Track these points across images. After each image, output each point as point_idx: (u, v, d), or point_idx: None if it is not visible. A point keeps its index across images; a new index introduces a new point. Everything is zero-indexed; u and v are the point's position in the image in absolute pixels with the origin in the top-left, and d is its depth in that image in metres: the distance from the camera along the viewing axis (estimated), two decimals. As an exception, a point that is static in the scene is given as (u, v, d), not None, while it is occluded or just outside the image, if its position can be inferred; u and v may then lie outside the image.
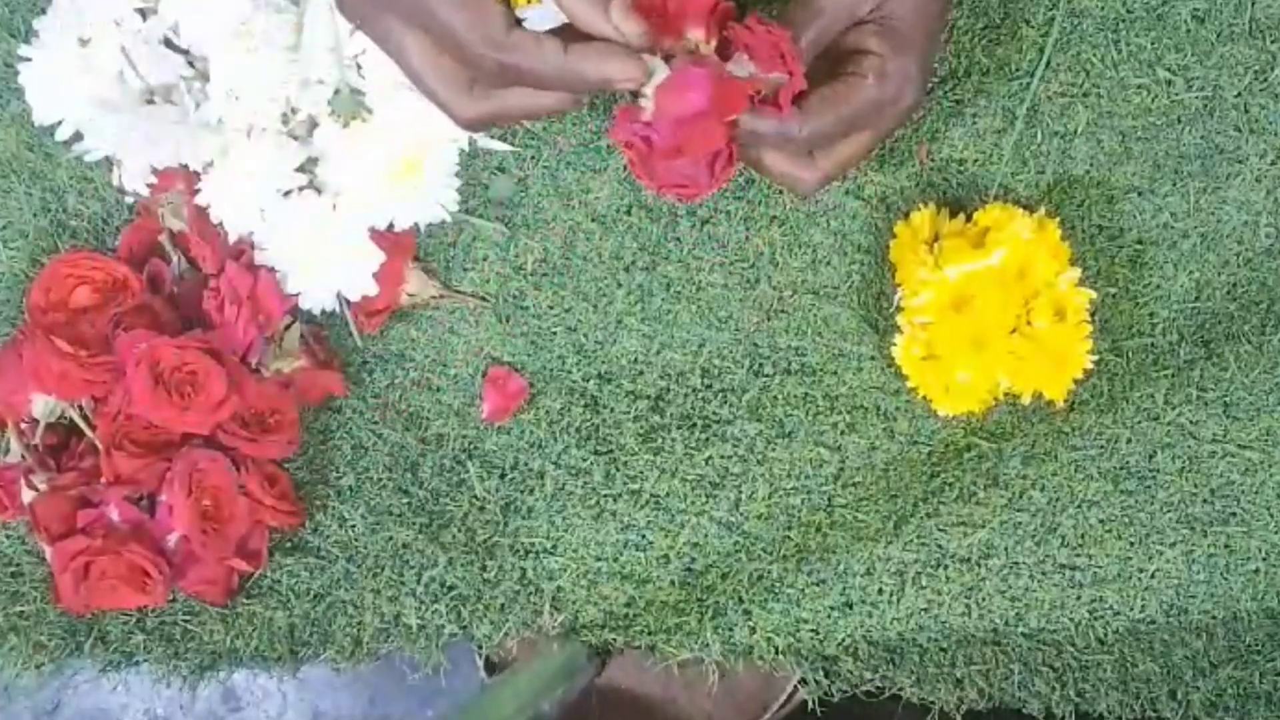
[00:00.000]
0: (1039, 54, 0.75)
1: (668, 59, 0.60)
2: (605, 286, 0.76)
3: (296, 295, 0.71)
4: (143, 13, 0.69)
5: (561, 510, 0.77)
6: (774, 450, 0.77)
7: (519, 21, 0.62)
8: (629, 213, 0.76)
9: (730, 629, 0.77)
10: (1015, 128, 0.75)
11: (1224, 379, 0.76)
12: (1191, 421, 0.77)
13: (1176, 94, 0.75)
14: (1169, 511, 0.77)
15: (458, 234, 0.76)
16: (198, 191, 0.70)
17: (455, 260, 0.76)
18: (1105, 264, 0.76)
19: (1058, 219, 0.73)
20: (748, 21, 0.61)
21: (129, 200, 0.74)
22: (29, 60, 0.69)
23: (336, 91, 0.67)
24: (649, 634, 0.77)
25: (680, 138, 0.60)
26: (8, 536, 0.76)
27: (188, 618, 0.76)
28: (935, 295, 0.71)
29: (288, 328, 0.73)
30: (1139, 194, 0.76)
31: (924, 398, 0.74)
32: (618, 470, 0.77)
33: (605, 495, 0.77)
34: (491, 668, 0.84)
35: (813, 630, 0.77)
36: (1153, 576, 0.77)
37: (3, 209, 0.76)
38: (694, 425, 0.77)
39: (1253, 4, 0.75)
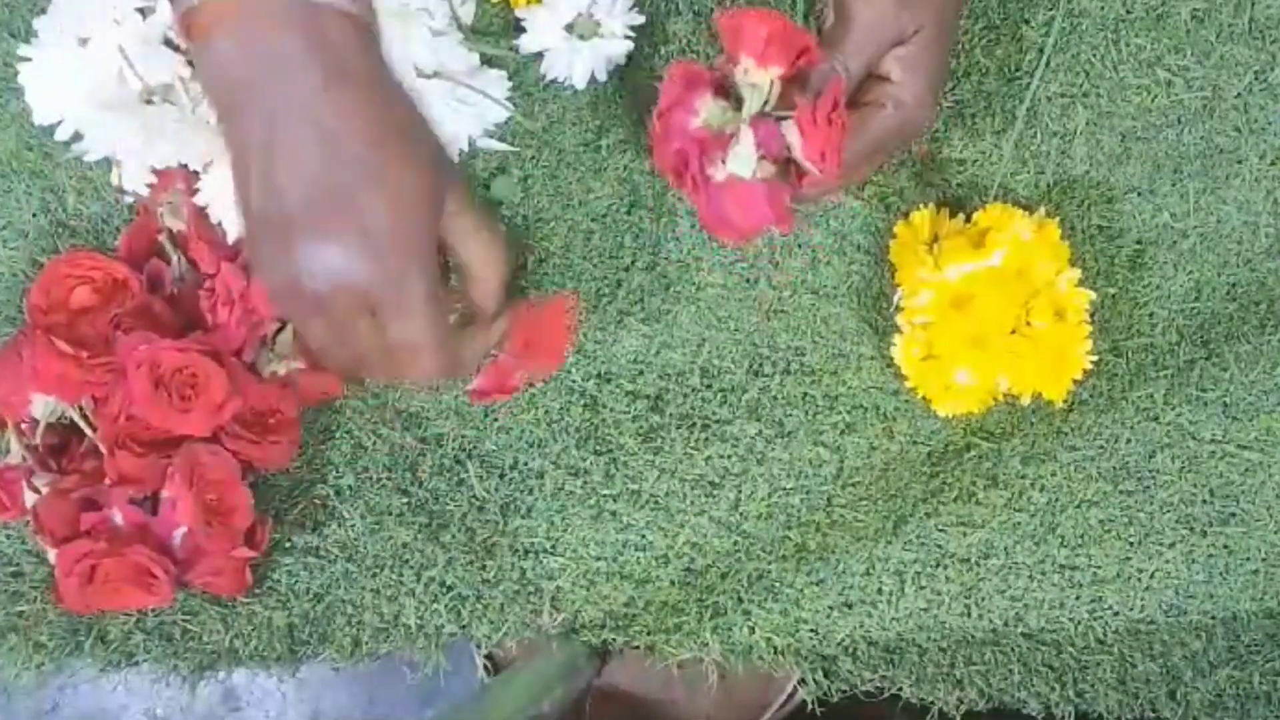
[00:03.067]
0: (1039, 54, 0.75)
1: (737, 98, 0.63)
2: (605, 286, 0.76)
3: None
4: (142, 12, 0.69)
5: (561, 510, 0.77)
6: (773, 450, 0.77)
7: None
8: (629, 213, 0.76)
9: (730, 629, 0.77)
10: (1015, 128, 0.75)
11: (1223, 379, 0.77)
12: (1191, 422, 0.77)
13: (1176, 94, 0.75)
14: (1168, 512, 0.77)
15: (457, 234, 0.76)
16: (197, 191, 0.70)
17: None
18: (1105, 264, 0.76)
19: (1057, 219, 0.73)
20: (811, 104, 0.61)
21: (129, 200, 0.74)
22: (29, 60, 0.70)
23: (336, 91, 0.66)
24: (649, 634, 0.77)
25: (729, 216, 0.65)
26: (8, 536, 0.76)
27: (188, 618, 0.76)
28: (935, 295, 0.71)
29: (280, 329, 0.73)
30: (1139, 194, 0.76)
31: (923, 398, 0.74)
32: (617, 470, 0.77)
33: (605, 495, 0.77)
34: (491, 668, 0.84)
35: (812, 630, 0.77)
36: (1152, 577, 0.77)
37: (3, 209, 0.76)
38: (693, 425, 0.77)
39: (1253, 4, 0.75)
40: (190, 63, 0.69)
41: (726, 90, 0.65)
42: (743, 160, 0.63)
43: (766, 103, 0.63)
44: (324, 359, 0.56)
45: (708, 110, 0.64)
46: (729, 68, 0.64)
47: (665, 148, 0.64)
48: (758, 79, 0.63)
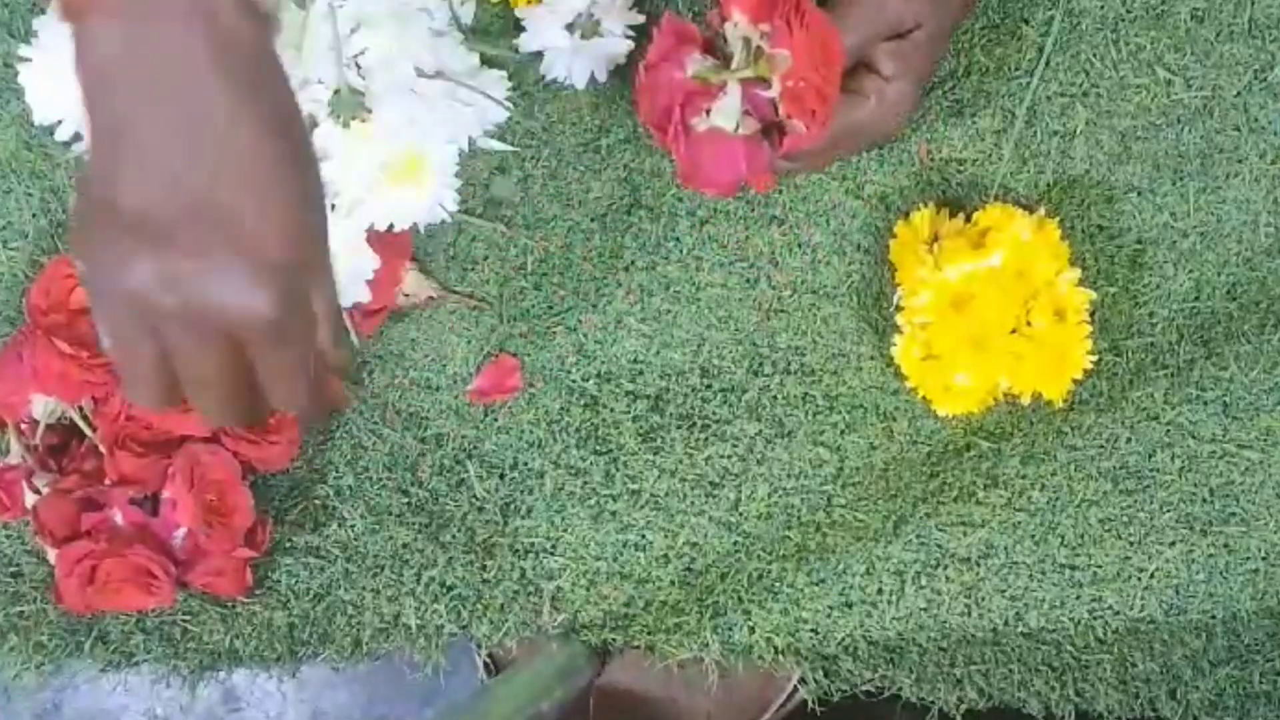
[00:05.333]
0: (1039, 54, 0.75)
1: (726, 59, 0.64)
2: (605, 286, 0.76)
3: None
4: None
5: (561, 510, 0.77)
6: (773, 450, 0.77)
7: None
8: (629, 213, 0.76)
9: (730, 629, 0.77)
10: (1015, 128, 0.75)
11: (1223, 379, 0.76)
12: (1191, 421, 0.77)
13: (1176, 94, 0.75)
14: (1168, 511, 0.77)
15: (457, 234, 0.76)
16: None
17: (455, 260, 0.76)
18: (1105, 264, 0.76)
19: (1057, 219, 0.73)
20: (801, 15, 0.62)
21: (129, 200, 0.74)
22: (29, 60, 0.69)
23: (336, 91, 0.66)
24: (649, 634, 0.77)
25: (705, 168, 0.66)
26: (8, 536, 0.76)
27: (188, 618, 0.76)
28: (935, 295, 0.71)
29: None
30: (1139, 194, 0.76)
31: (923, 398, 0.74)
32: (617, 470, 0.77)
33: (605, 495, 0.77)
34: (491, 668, 0.84)
35: (812, 630, 0.77)
36: (1152, 576, 0.77)
37: (3, 209, 0.76)
38: (694, 425, 0.77)
39: (1252, 3, 0.75)
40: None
41: (715, 51, 0.66)
42: (728, 113, 0.64)
43: (755, 57, 0.63)
44: (141, 384, 0.48)
45: (696, 65, 0.65)
46: (719, 22, 0.65)
47: (651, 100, 0.66)
48: (748, 33, 0.63)
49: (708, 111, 0.65)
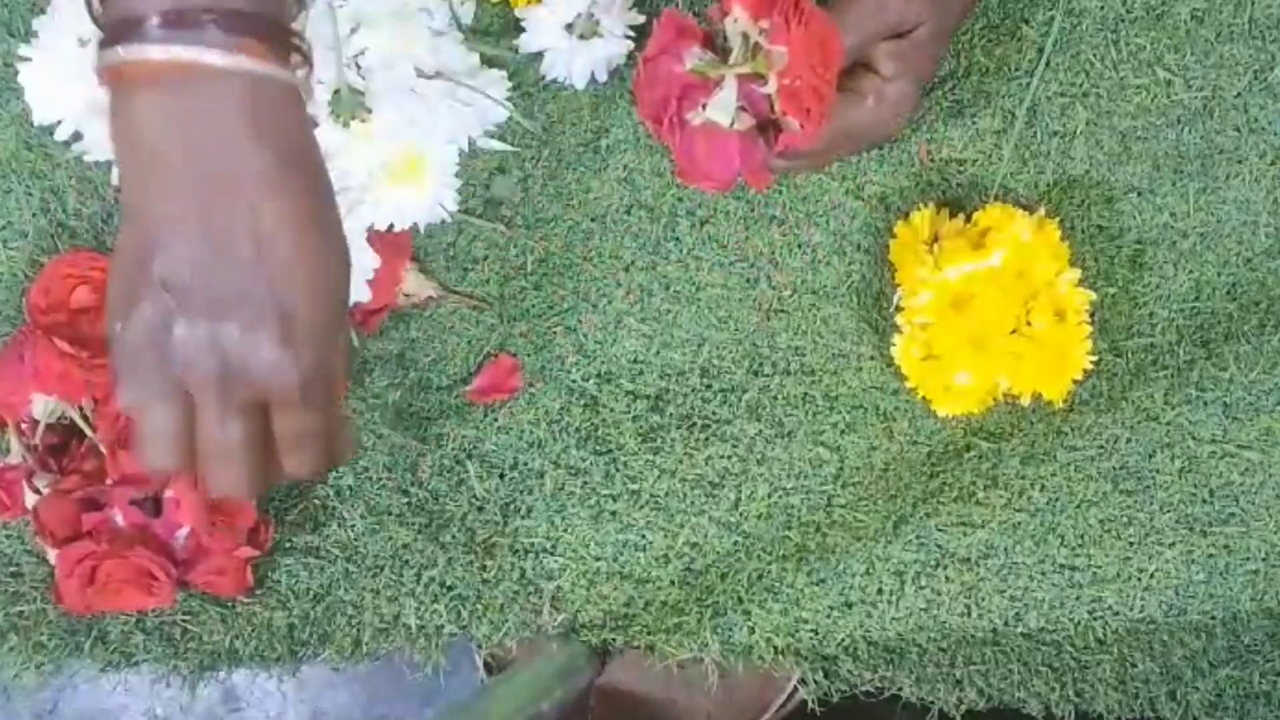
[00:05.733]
0: (1039, 54, 0.75)
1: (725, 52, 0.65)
2: (605, 286, 0.76)
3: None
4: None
5: (561, 510, 0.77)
6: (773, 450, 0.77)
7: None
8: (629, 213, 0.76)
9: (730, 629, 0.77)
10: (1015, 128, 0.75)
11: (1223, 379, 0.76)
12: (1190, 422, 0.77)
13: (1176, 94, 0.75)
14: (1168, 512, 0.77)
15: (457, 234, 0.76)
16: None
17: (455, 260, 0.76)
18: (1105, 264, 0.76)
19: (1057, 219, 0.73)
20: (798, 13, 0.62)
21: (129, 200, 0.74)
22: (29, 60, 0.69)
23: (336, 91, 0.67)
24: (649, 634, 0.77)
25: (700, 162, 0.67)
26: (7, 536, 0.76)
27: (188, 618, 0.76)
28: (935, 295, 0.71)
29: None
30: (1139, 194, 0.76)
31: (923, 398, 0.74)
32: (617, 470, 0.77)
33: (605, 495, 0.77)
34: (491, 668, 0.84)
35: (812, 630, 0.77)
36: (1152, 576, 0.77)
37: (3, 209, 0.76)
38: (693, 425, 0.77)
39: (1252, 4, 0.75)
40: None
41: (715, 46, 0.66)
42: (724, 107, 0.64)
43: (752, 53, 0.64)
44: (159, 446, 0.48)
45: (695, 59, 0.65)
46: (719, 17, 0.65)
47: (649, 93, 0.66)
48: (748, 28, 0.63)
49: (704, 106, 0.65)
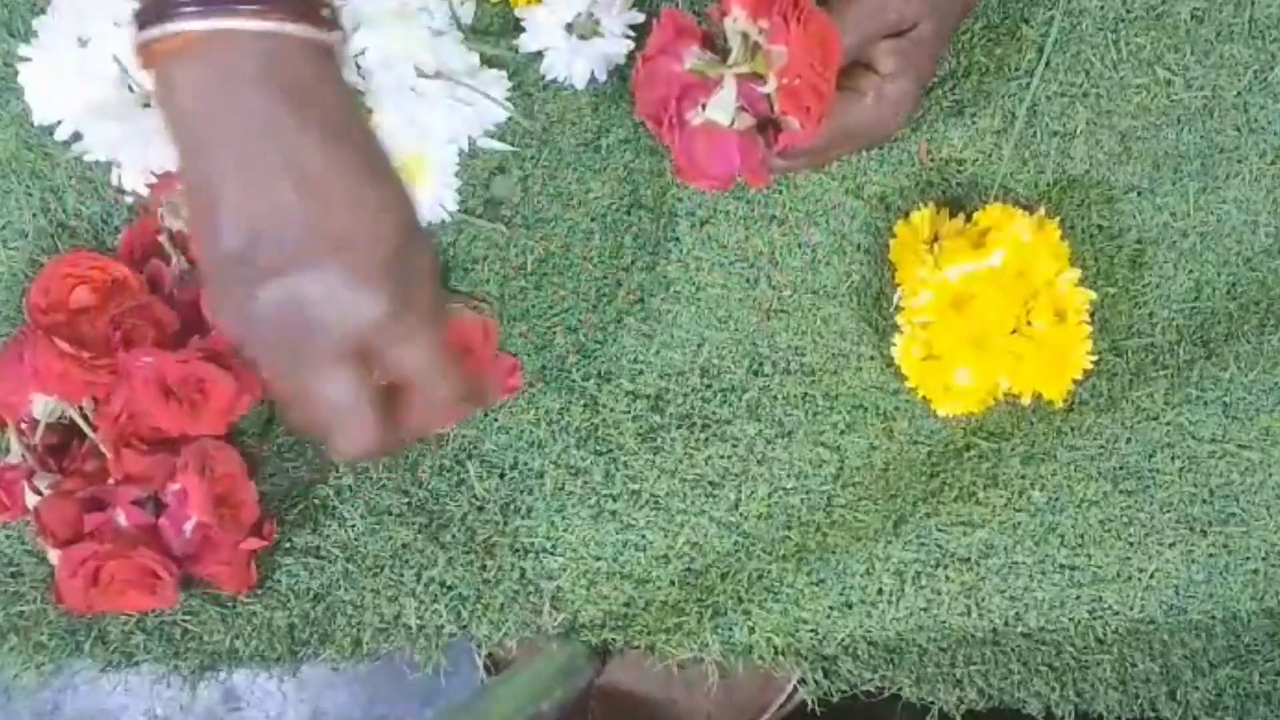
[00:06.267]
0: (1039, 54, 0.75)
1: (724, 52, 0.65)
2: (605, 286, 0.76)
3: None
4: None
5: (561, 510, 0.77)
6: (773, 450, 0.77)
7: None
8: (629, 213, 0.76)
9: (730, 629, 0.77)
10: (1015, 128, 0.75)
11: (1223, 379, 0.77)
12: (1190, 421, 0.77)
13: (1176, 94, 0.75)
14: (1168, 511, 0.77)
15: (457, 234, 0.76)
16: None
17: (455, 260, 0.76)
18: (1105, 264, 0.76)
19: (1057, 219, 0.73)
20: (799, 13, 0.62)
21: (129, 200, 0.74)
22: (29, 60, 0.69)
23: (336, 92, 0.66)
24: (649, 634, 0.77)
25: (699, 161, 0.67)
26: (7, 536, 0.76)
27: (188, 618, 0.76)
28: (935, 295, 0.71)
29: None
30: (1139, 194, 0.76)
31: (924, 398, 0.74)
32: (617, 470, 0.77)
33: (605, 495, 0.77)
34: (491, 668, 0.84)
35: (812, 630, 0.77)
36: (1152, 576, 0.77)
37: (3, 209, 0.76)
38: (693, 425, 0.77)
39: (1252, 3, 0.75)
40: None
41: (715, 46, 0.66)
42: (723, 107, 0.64)
43: (752, 52, 0.64)
44: (297, 403, 0.49)
45: (694, 58, 0.65)
46: (719, 17, 0.65)
47: (648, 92, 0.66)
48: (747, 28, 0.63)
49: (703, 106, 0.65)
